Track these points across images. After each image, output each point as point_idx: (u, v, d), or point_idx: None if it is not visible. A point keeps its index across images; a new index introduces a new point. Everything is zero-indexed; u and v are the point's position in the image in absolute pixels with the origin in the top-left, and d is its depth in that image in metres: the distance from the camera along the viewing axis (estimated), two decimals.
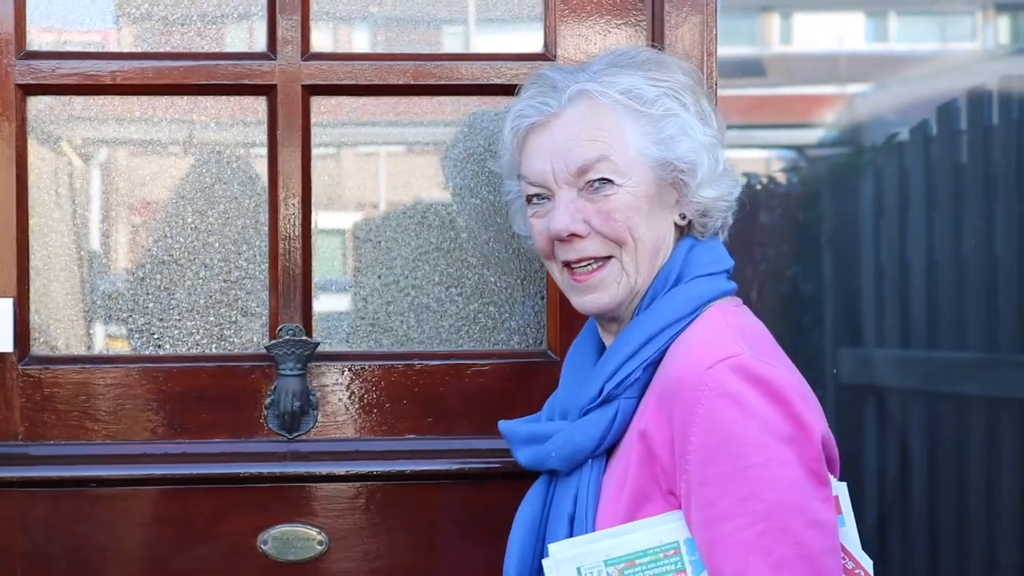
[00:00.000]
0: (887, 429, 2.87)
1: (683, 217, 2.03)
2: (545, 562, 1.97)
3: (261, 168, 2.54)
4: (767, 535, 1.82)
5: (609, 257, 2.00)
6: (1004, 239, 2.88)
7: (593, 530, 1.98)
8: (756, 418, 1.84)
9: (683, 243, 2.03)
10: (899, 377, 2.92)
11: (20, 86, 2.42)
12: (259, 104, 2.50)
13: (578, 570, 1.99)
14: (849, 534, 2.01)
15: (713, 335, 1.93)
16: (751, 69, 2.45)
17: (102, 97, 2.57)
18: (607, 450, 1.99)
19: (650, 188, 2.00)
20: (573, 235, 1.99)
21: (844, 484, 1.96)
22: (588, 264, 2.00)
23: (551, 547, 1.97)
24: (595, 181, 1.97)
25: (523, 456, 2.05)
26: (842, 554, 1.93)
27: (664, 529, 1.94)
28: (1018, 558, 3.06)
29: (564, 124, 1.98)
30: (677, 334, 1.96)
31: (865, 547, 1.98)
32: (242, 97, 2.51)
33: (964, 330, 2.96)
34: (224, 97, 2.55)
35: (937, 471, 3.05)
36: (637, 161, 1.99)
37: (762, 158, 3.03)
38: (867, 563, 2.02)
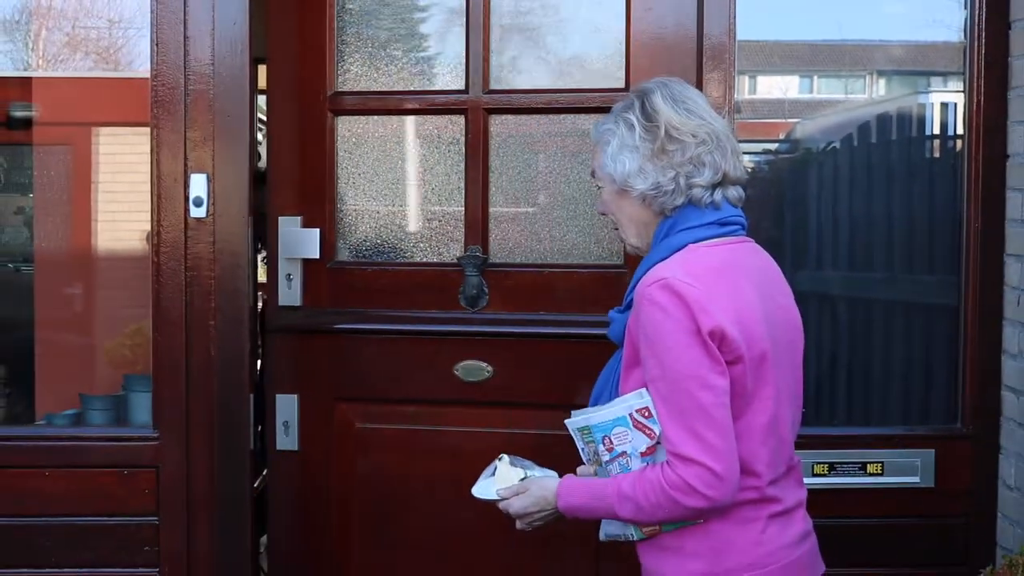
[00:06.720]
0: (823, 319, 3.46)
1: (643, 200, 2.28)
2: (566, 421, 2.34)
3: (458, 157, 3.34)
4: (676, 392, 2.17)
5: (616, 228, 2.41)
6: (897, 205, 3.40)
7: (619, 385, 2.27)
8: (671, 318, 2.16)
9: (666, 219, 2.31)
10: (833, 287, 3.45)
11: (331, 110, 3.35)
12: (459, 119, 3.34)
13: (577, 431, 2.33)
14: None
15: (663, 266, 2.21)
16: (735, 108, 3.05)
17: (366, 117, 3.42)
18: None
19: (615, 189, 2.34)
20: (603, 213, 2.42)
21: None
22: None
23: (573, 412, 2.32)
24: (597, 184, 2.42)
25: (609, 331, 2.40)
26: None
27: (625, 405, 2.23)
28: None
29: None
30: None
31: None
32: (450, 115, 3.36)
33: (871, 256, 3.47)
34: (438, 116, 3.38)
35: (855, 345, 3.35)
36: (605, 174, 2.36)
37: (747, 160, 3.50)
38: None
